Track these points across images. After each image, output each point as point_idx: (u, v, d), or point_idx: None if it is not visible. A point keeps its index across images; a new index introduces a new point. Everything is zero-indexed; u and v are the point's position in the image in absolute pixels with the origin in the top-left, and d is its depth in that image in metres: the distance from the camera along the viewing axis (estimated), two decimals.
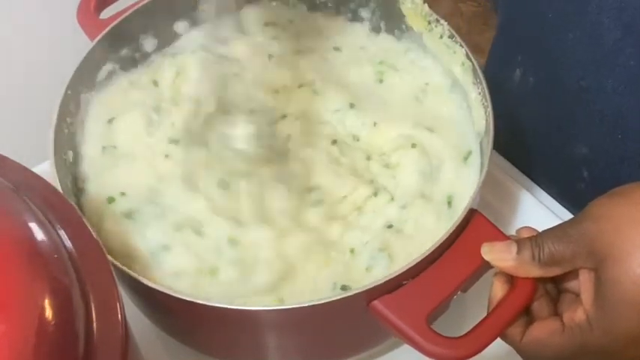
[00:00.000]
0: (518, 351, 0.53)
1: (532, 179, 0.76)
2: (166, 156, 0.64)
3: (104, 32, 0.66)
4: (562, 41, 0.65)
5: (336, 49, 0.74)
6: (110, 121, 0.66)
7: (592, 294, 0.49)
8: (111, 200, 0.62)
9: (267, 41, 0.73)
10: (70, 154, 0.63)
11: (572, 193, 0.73)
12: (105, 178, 0.63)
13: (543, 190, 0.75)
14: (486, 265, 0.54)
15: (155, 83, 0.70)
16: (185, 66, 0.70)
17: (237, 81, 0.70)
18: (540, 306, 0.53)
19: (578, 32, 0.63)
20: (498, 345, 0.52)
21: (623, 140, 0.65)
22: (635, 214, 0.48)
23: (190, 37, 0.73)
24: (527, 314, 0.53)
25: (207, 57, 0.70)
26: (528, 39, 0.71)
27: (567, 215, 0.72)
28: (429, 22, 0.69)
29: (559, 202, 0.74)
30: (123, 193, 0.62)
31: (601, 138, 0.67)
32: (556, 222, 0.52)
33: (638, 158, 0.65)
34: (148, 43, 0.71)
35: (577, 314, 0.50)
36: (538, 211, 0.72)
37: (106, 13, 0.69)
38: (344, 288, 0.58)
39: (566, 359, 0.50)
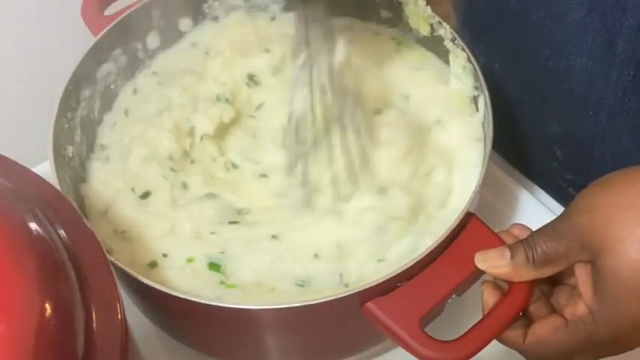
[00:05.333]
0: (523, 353, 0.52)
1: (510, 163, 0.76)
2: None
3: (107, 28, 0.67)
4: (527, 24, 0.65)
5: None
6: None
7: (591, 287, 0.49)
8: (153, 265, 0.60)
9: None
10: (70, 149, 0.63)
11: (547, 173, 0.73)
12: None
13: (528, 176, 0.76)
14: (482, 270, 0.54)
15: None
16: None
17: None
18: (538, 308, 0.53)
19: (542, 14, 0.63)
20: (496, 347, 0.53)
21: (594, 117, 0.64)
22: (622, 201, 0.47)
23: None
24: (525, 317, 0.53)
25: None
26: (490, 28, 0.71)
27: None
28: (432, 25, 0.69)
29: (536, 184, 0.75)
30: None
31: (572, 116, 0.67)
32: None
33: (609, 134, 0.64)
34: (152, 41, 0.71)
35: (578, 308, 0.50)
36: (537, 211, 0.72)
37: (111, 10, 0.69)
38: None
39: (572, 353, 0.50)
